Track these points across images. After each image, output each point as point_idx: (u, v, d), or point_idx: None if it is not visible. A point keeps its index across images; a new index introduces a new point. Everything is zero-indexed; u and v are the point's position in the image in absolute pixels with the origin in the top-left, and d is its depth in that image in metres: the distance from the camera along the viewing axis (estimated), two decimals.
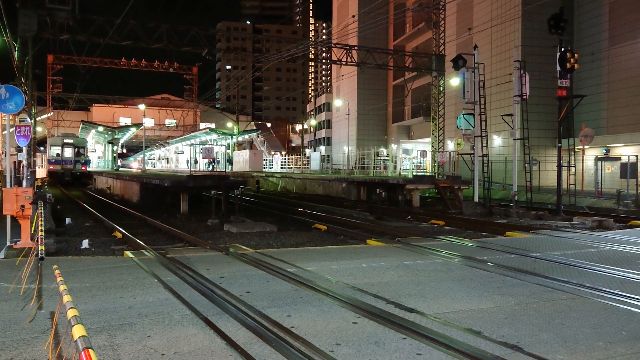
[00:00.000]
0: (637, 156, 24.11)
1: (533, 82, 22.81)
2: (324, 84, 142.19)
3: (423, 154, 32.21)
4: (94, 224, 17.50)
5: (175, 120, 77.80)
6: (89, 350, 2.47)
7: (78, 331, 2.71)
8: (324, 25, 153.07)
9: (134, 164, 79.30)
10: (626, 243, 11.37)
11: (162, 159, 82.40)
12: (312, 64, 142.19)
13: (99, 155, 67.53)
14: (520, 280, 7.60)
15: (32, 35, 23.22)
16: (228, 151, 56.50)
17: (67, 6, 23.73)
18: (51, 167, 43.72)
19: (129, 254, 10.11)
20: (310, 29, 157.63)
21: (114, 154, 54.85)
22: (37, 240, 7.67)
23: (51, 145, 44.84)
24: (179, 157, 68.25)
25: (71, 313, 3.07)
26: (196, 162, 52.59)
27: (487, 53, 38.79)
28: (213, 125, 71.94)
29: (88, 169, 45.76)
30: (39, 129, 55.04)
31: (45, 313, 5.83)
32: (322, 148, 73.73)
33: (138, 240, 12.24)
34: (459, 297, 6.61)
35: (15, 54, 23.75)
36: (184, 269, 8.29)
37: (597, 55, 35.25)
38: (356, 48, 31.11)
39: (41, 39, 24.64)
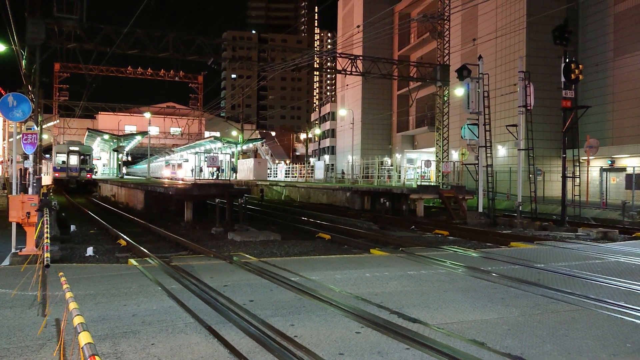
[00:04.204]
0: None
1: (538, 93, 22.82)
2: (328, 94, 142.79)
3: (427, 163, 32.20)
4: (99, 232, 17.55)
5: (180, 129, 78.16)
6: (95, 357, 2.49)
7: (84, 338, 2.73)
8: (329, 35, 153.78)
9: (166, 171, 65.26)
10: (631, 255, 11.32)
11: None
12: (317, 73, 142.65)
13: (104, 162, 67.83)
14: (524, 291, 7.58)
15: (40, 44, 23.41)
16: (232, 160, 56.67)
17: (74, 15, 23.94)
18: (57, 175, 43.95)
19: (133, 261, 10.14)
20: (315, 39, 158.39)
21: (119, 162, 55.12)
22: (43, 248, 7.71)
23: (57, 153, 45.10)
24: (184, 165, 68.41)
25: (77, 320, 3.10)
26: (201, 170, 52.73)
27: (492, 63, 38.88)
28: (218, 134, 72.27)
29: (93, 177, 45.96)
30: (45, 136, 55.47)
31: (50, 320, 5.85)
32: (327, 157, 73.85)
33: (142, 248, 12.28)
34: (462, 308, 6.60)
35: (23, 62, 23.97)
36: (188, 277, 8.31)
37: (602, 66, 35.29)
38: (361, 58, 31.24)
39: (48, 48, 24.85)
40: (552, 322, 5.99)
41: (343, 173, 46.73)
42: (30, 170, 16.81)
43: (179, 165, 66.20)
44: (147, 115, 58.57)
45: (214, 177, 49.06)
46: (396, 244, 13.75)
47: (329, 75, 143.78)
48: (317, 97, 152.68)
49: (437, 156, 33.34)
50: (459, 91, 24.11)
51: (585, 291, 7.59)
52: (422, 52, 56.70)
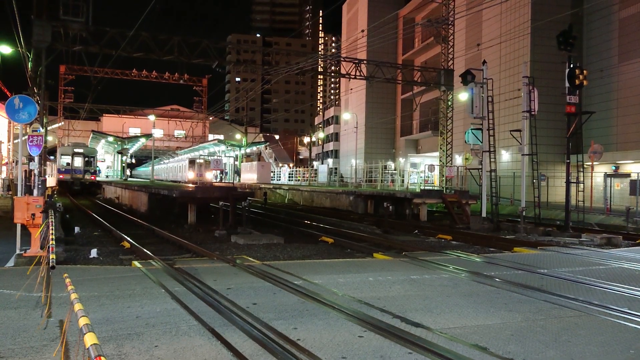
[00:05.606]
0: None
1: (542, 98, 22.81)
2: (332, 97, 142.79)
3: (431, 168, 32.14)
4: (103, 234, 17.60)
5: (184, 131, 78.26)
6: (101, 358, 2.51)
7: (90, 339, 2.75)
8: (334, 38, 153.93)
9: (189, 173, 44.98)
10: (635, 261, 11.29)
11: None
12: (321, 77, 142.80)
13: (108, 165, 67.98)
14: (527, 297, 7.57)
15: (46, 46, 23.52)
16: (236, 162, 56.74)
17: (80, 18, 24.05)
18: (61, 176, 44.08)
19: (136, 263, 10.17)
20: (320, 43, 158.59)
21: (123, 164, 55.24)
22: (48, 249, 7.74)
23: (61, 155, 45.23)
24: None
25: (82, 321, 3.12)
26: None
27: (496, 68, 38.88)
28: (222, 137, 72.36)
29: (97, 179, 46.07)
30: (49, 138, 55.61)
31: (54, 321, 5.88)
32: (330, 161, 73.86)
33: (146, 251, 12.31)
34: (465, 313, 6.60)
35: (29, 64, 24.08)
36: (191, 279, 8.34)
37: (606, 71, 35.23)
38: (365, 62, 31.25)
39: (54, 50, 24.95)
40: (555, 328, 5.98)
41: (342, 177, 46.64)
42: (36, 171, 16.90)
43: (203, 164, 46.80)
44: (152, 117, 58.57)
45: (218, 179, 49.11)
46: (399, 248, 13.75)
47: (333, 79, 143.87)
48: (321, 100, 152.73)
49: (440, 161, 33.32)
50: (463, 96, 24.07)
51: (589, 297, 7.58)
52: (426, 57, 56.76)
